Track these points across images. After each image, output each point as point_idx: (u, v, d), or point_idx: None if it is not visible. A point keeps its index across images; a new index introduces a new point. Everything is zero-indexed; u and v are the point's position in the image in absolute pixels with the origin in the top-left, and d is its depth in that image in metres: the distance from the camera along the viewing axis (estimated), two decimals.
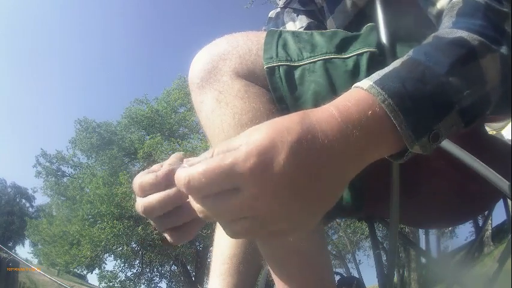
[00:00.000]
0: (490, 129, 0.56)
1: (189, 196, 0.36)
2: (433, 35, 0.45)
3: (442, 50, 0.42)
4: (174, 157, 0.51)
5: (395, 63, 0.42)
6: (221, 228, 0.81)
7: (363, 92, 0.38)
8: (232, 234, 0.37)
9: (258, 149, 0.32)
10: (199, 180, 0.33)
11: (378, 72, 0.41)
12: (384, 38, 0.58)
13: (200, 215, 0.36)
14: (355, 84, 0.41)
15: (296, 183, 0.33)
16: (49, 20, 66.61)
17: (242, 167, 0.32)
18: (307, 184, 0.34)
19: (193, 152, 11.30)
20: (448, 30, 0.45)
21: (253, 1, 11.11)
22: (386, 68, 0.41)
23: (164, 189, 0.45)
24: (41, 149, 18.65)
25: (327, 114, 0.36)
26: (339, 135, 0.35)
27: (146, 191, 0.46)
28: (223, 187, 0.33)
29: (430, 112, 0.39)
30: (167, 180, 0.45)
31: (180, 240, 0.50)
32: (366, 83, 0.39)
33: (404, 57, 0.42)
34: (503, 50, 0.44)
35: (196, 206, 0.35)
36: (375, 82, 0.39)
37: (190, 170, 0.34)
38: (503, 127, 0.55)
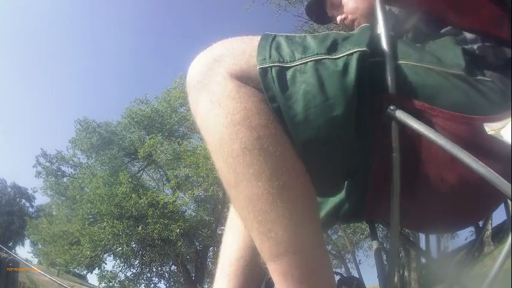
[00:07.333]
0: (490, 129, 0.56)
1: None
2: None
3: None
4: None
5: None
6: (229, 231, 0.82)
7: None
8: None
9: None
10: None
11: None
12: (383, 38, 0.58)
13: None
14: None
15: None
16: (48, 19, 66.78)
17: None
18: None
19: (193, 152, 11.30)
20: None
21: (253, 1, 11.14)
22: None
23: None
24: (41, 149, 18.66)
25: None
26: None
27: None
28: None
29: None
30: None
31: None
32: None
33: None
34: None
35: None
36: None
37: None
38: (503, 127, 0.55)
